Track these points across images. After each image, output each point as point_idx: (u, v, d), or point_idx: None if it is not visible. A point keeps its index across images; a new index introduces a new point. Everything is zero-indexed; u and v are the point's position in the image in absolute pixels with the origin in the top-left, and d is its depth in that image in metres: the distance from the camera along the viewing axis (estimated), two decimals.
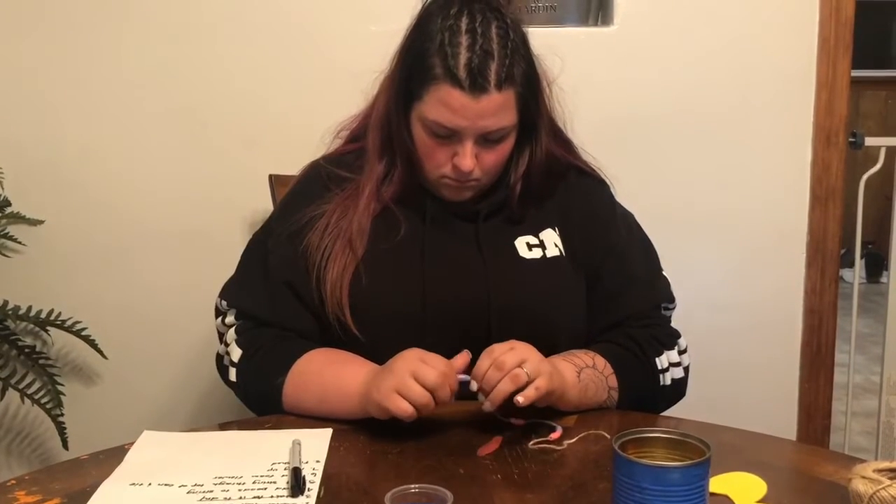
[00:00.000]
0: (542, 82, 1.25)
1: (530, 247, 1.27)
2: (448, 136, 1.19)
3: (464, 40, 1.15)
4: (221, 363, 1.28)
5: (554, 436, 1.10)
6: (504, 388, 1.07)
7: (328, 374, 1.19)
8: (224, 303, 1.30)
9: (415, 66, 1.19)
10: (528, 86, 1.21)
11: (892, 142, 2.37)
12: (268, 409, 1.22)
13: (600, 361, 1.21)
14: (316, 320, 1.26)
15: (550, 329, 1.24)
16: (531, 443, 1.09)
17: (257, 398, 1.24)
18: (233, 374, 1.25)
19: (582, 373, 1.18)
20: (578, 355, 1.21)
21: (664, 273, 1.35)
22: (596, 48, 1.90)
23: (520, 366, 1.08)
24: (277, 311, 1.26)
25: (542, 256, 1.27)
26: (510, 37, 1.17)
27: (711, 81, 1.92)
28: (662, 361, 1.26)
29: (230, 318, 1.28)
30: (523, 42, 1.21)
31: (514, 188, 1.28)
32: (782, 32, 1.92)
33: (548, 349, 1.18)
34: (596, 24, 1.95)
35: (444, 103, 1.16)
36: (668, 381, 1.26)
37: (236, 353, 1.24)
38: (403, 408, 1.06)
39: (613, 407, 1.22)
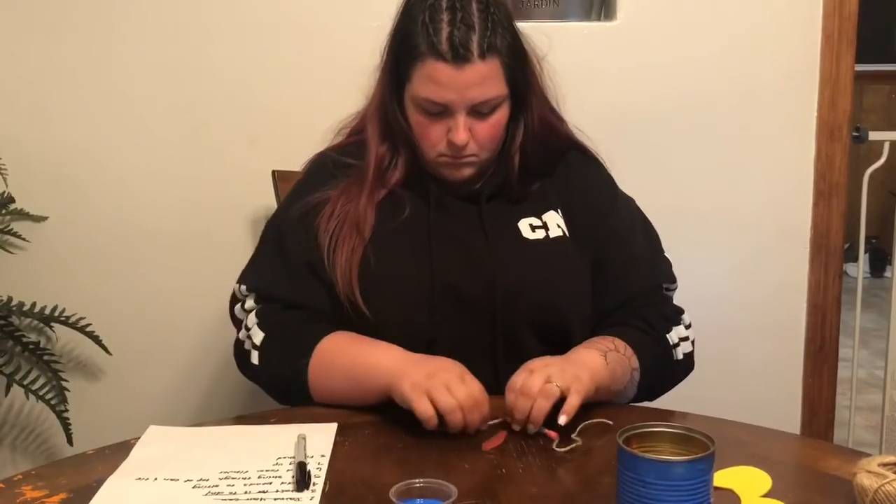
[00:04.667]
0: (530, 56, 1.27)
1: (533, 228, 1.28)
2: (440, 113, 1.21)
3: (445, 17, 1.18)
4: (242, 348, 1.27)
5: (553, 435, 1.08)
6: (541, 406, 1.07)
7: (356, 350, 1.19)
8: (243, 288, 1.30)
9: (401, 49, 1.22)
10: (514, 56, 1.22)
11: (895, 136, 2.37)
12: (290, 394, 1.22)
13: (620, 344, 1.22)
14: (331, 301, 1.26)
15: (556, 309, 1.26)
16: (563, 450, 1.06)
17: (280, 381, 1.24)
18: (255, 358, 1.24)
19: (608, 356, 1.19)
20: (599, 341, 1.22)
21: (666, 255, 1.37)
22: (598, 43, 1.90)
23: (547, 381, 1.08)
24: (298, 291, 1.26)
25: (545, 237, 1.28)
26: (490, 10, 1.20)
27: (714, 76, 1.92)
28: (673, 337, 1.28)
29: (250, 303, 1.28)
30: (506, 16, 1.23)
31: (513, 160, 1.29)
32: (786, 27, 1.91)
33: (557, 330, 1.22)
34: (598, 19, 1.95)
35: (430, 78, 1.19)
36: (681, 356, 1.28)
37: (258, 336, 1.24)
38: (428, 411, 1.06)
39: (635, 389, 1.23)
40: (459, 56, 1.16)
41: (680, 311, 1.32)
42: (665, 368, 1.27)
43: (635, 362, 1.22)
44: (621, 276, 1.31)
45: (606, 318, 1.28)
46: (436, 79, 1.18)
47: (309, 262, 1.26)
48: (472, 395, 1.08)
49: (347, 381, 1.18)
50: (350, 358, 1.19)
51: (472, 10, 1.18)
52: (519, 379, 1.10)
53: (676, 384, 1.30)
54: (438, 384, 1.07)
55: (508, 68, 1.21)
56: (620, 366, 1.20)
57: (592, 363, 1.16)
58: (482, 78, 1.18)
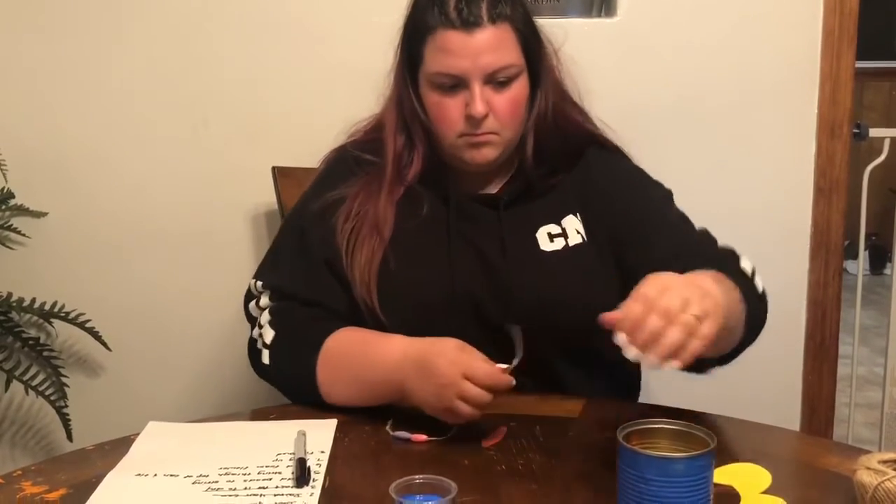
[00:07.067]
0: (545, 41, 1.26)
1: (552, 237, 1.26)
2: (455, 86, 1.20)
3: None
4: (254, 347, 1.24)
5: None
6: (673, 338, 0.89)
7: (360, 351, 1.17)
8: (259, 283, 1.27)
9: (413, 32, 1.22)
10: (526, 24, 1.21)
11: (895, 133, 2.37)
12: (301, 393, 1.19)
13: (718, 275, 1.07)
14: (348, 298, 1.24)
15: (575, 318, 1.21)
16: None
17: (290, 380, 1.22)
18: (266, 357, 1.22)
19: (721, 284, 1.03)
20: (698, 272, 1.03)
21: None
22: (599, 40, 1.89)
23: (685, 307, 0.90)
24: (315, 288, 1.24)
25: (563, 247, 1.26)
26: None
27: (715, 73, 1.91)
28: (747, 268, 1.20)
29: (265, 300, 1.26)
30: None
31: (527, 140, 1.26)
32: (786, 24, 1.91)
33: (581, 341, 1.20)
34: (599, 16, 1.95)
35: (442, 49, 1.18)
36: (761, 290, 1.19)
37: (269, 335, 1.22)
38: (459, 422, 1.07)
39: (743, 326, 1.10)
40: (468, 22, 1.16)
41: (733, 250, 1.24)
42: (755, 301, 1.15)
43: (738, 294, 1.08)
44: (678, 257, 1.13)
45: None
46: (447, 49, 1.17)
47: (328, 260, 1.24)
48: (483, 395, 1.05)
49: (356, 386, 1.16)
50: (356, 360, 1.17)
51: None
52: (652, 291, 0.92)
53: (763, 325, 1.19)
54: (451, 398, 1.06)
55: (522, 36, 1.20)
56: (731, 298, 1.05)
57: (713, 289, 0.97)
58: (495, 42, 1.17)
